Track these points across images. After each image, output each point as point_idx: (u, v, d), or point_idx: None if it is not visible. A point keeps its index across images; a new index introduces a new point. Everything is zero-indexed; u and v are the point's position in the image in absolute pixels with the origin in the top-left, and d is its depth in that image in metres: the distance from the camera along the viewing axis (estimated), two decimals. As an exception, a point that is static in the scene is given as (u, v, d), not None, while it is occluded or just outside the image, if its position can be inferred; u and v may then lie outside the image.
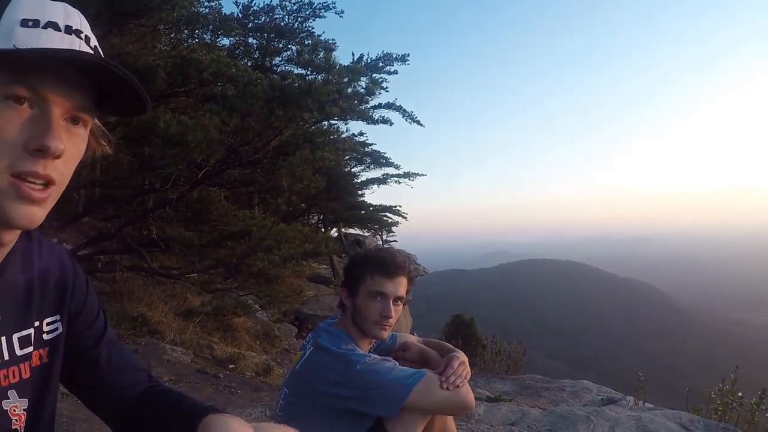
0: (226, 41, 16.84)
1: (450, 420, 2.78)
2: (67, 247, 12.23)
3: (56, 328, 1.20)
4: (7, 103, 0.90)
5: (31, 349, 1.13)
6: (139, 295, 10.05)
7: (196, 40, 13.72)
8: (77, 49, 0.98)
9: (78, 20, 1.00)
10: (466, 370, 2.50)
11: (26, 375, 1.12)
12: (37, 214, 0.97)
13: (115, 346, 1.33)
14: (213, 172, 9.18)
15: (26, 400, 1.11)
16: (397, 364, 2.46)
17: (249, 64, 16.46)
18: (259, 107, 7.88)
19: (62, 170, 0.98)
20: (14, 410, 1.09)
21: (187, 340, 8.54)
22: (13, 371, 1.09)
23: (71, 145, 0.98)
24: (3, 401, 1.06)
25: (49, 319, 1.19)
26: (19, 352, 1.10)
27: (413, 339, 3.00)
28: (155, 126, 8.37)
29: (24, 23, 0.93)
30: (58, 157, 0.94)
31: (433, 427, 2.62)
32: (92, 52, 1.01)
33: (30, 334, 1.13)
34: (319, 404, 2.44)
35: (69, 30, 0.97)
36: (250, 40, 18.96)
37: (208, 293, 11.31)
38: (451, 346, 2.81)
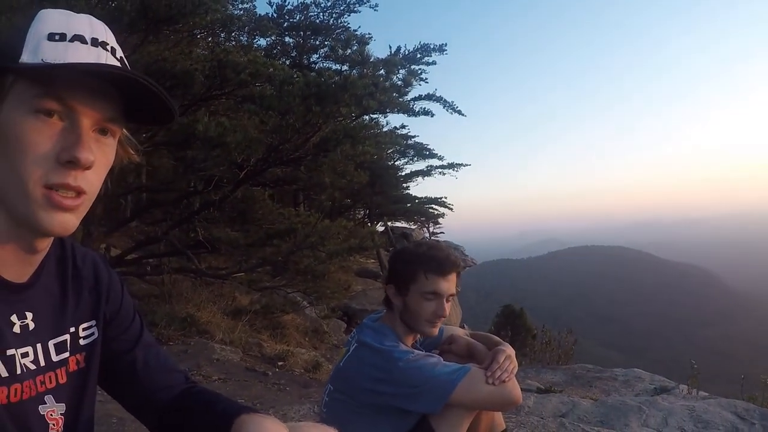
0: (262, 42, 16.95)
1: (497, 415, 2.71)
2: (116, 251, 12.50)
3: (92, 333, 1.23)
4: (37, 117, 0.93)
5: (67, 354, 1.16)
6: (188, 297, 10.19)
7: (233, 42, 13.83)
8: (104, 61, 0.99)
9: (104, 32, 1.03)
10: (513, 364, 2.42)
11: (63, 380, 1.14)
12: (70, 222, 0.98)
13: (151, 349, 1.35)
14: (254, 172, 9.22)
15: (63, 404, 1.13)
16: (442, 359, 2.41)
17: (287, 63, 16.56)
18: (297, 105, 7.89)
19: (92, 180, 0.99)
20: (51, 415, 1.10)
21: (236, 338, 8.62)
22: (50, 377, 1.11)
23: (100, 156, 1.00)
24: (40, 406, 1.08)
25: (84, 325, 1.22)
26: (55, 358, 1.13)
27: (460, 332, 2.94)
28: (195, 129, 8.44)
29: (50, 37, 0.95)
30: (88, 168, 0.96)
31: (479, 422, 2.56)
32: (118, 63, 1.03)
33: (66, 340, 1.16)
34: (362, 401, 2.42)
35: (95, 42, 0.99)
36: (287, 39, 19.10)
37: (256, 292, 11.40)
38: (499, 339, 2.73)
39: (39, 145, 0.93)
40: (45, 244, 1.08)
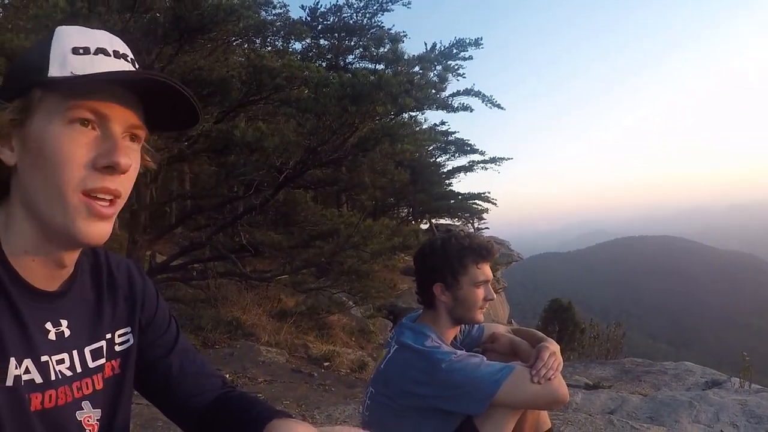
0: (298, 45, 17.06)
1: (543, 413, 2.65)
2: (162, 257, 12.70)
3: (128, 340, 1.25)
4: (73, 127, 0.96)
5: (103, 360, 1.17)
6: (234, 300, 10.30)
7: (269, 47, 13.93)
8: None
9: (122, 45, 1.07)
10: (558, 361, 2.37)
11: (99, 386, 1.16)
12: (105, 230, 1.02)
13: (187, 354, 1.35)
14: (294, 175, 9.26)
15: (99, 410, 1.15)
16: (485, 358, 2.36)
17: (323, 65, 16.63)
18: (332, 106, 7.90)
19: (126, 185, 1.03)
20: (88, 420, 1.12)
21: (281, 340, 8.69)
22: (86, 383, 1.13)
23: (131, 161, 1.02)
24: (77, 412, 1.10)
25: (120, 331, 1.24)
26: (91, 364, 1.14)
27: (502, 329, 2.90)
28: (233, 135, 8.53)
29: (75, 51, 0.99)
30: (124, 172, 1.00)
31: (524, 421, 2.50)
32: None
33: (101, 346, 1.18)
34: (405, 403, 2.39)
35: (117, 54, 1.03)
36: (322, 41, 19.19)
37: (301, 293, 11.46)
38: (542, 335, 2.68)
39: (76, 153, 0.96)
40: (73, 258, 1.10)
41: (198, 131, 10.84)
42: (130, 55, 1.06)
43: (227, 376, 6.89)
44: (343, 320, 12.15)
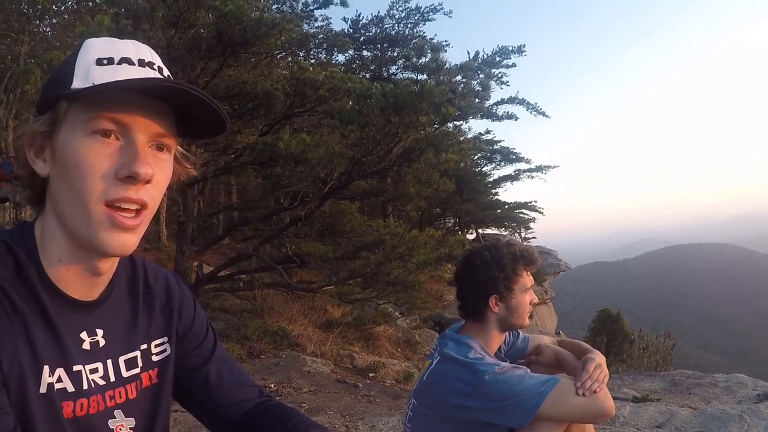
0: (341, 57, 17.19)
1: (589, 427, 2.59)
2: (209, 268, 12.87)
3: (165, 350, 1.26)
4: (94, 138, 0.97)
5: (137, 370, 1.19)
6: (280, 310, 10.37)
7: (313, 60, 14.07)
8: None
9: (149, 53, 1.06)
10: (604, 373, 2.32)
11: (133, 395, 1.17)
12: (129, 241, 1.01)
13: (225, 364, 1.36)
14: (339, 186, 9.30)
15: (133, 419, 1.16)
16: (529, 370, 2.33)
17: (367, 76, 16.70)
18: (375, 117, 7.92)
19: (153, 194, 1.02)
20: (120, 429, 1.13)
21: (327, 351, 8.71)
22: (120, 392, 1.14)
23: (159, 171, 1.03)
24: (109, 420, 1.11)
25: (157, 341, 1.25)
26: (125, 374, 1.16)
27: (547, 340, 2.87)
28: (277, 147, 8.60)
29: (99, 62, 1.00)
30: (148, 182, 0.99)
31: (569, 435, 2.47)
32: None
33: (136, 356, 1.19)
34: (447, 415, 2.36)
35: (142, 63, 1.02)
36: (365, 52, 19.26)
37: (347, 304, 11.47)
38: (588, 346, 2.63)
39: (98, 164, 0.96)
40: (107, 267, 1.11)
41: (243, 144, 11.01)
42: (158, 63, 1.06)
43: (272, 386, 6.93)
44: (389, 331, 12.11)
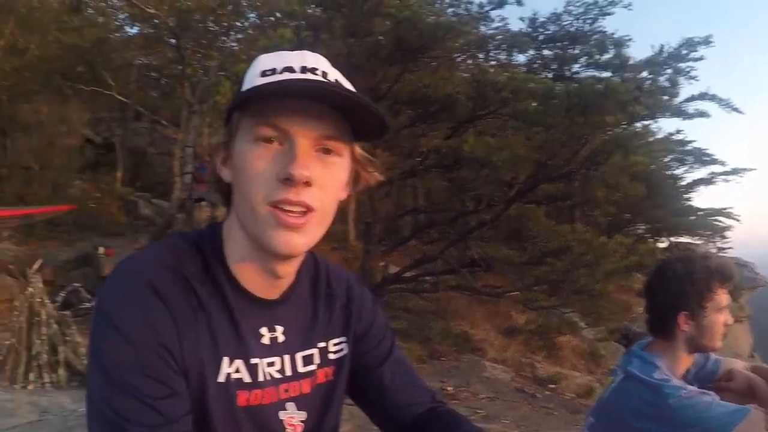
0: (521, 58, 16.91)
1: None
2: (395, 268, 13.13)
3: (342, 349, 1.28)
4: (257, 144, 1.01)
5: (313, 367, 1.22)
6: (463, 314, 10.38)
7: (493, 61, 13.94)
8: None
9: (314, 60, 1.07)
10: None
11: (307, 390, 1.20)
12: (295, 240, 1.02)
13: (400, 366, 1.37)
14: (524, 189, 9.15)
15: (304, 413, 1.19)
16: (717, 397, 2.13)
17: (549, 76, 16.28)
18: (560, 118, 7.69)
19: (320, 197, 1.02)
20: (290, 420, 1.17)
21: (508, 357, 8.58)
22: (294, 386, 1.18)
23: (325, 174, 1.03)
24: (280, 411, 1.15)
25: (335, 340, 1.27)
26: (301, 369, 1.19)
27: (740, 365, 2.60)
28: (462, 150, 8.60)
29: (263, 74, 1.03)
30: (308, 184, 1.00)
31: (757, 472, 2.22)
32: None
33: (313, 353, 1.22)
34: None
35: (304, 69, 1.04)
36: (545, 51, 18.75)
37: (532, 311, 11.22)
38: None
39: (260, 168, 1.00)
40: (285, 271, 1.13)
41: (428, 147, 11.11)
42: (322, 69, 1.06)
43: (450, 389, 6.96)
44: (573, 341, 11.68)
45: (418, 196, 18.19)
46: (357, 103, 1.00)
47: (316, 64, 1.06)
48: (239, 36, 19.48)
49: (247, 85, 1.03)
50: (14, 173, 18.67)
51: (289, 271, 1.14)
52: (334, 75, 1.07)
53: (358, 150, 1.12)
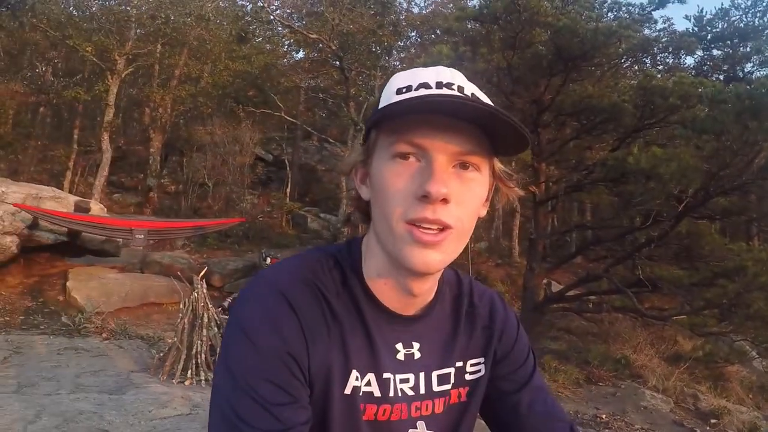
0: (690, 60, 15.91)
1: None
2: (558, 286, 12.66)
3: (479, 370, 1.25)
4: (394, 161, 1.01)
5: (448, 386, 1.20)
6: (625, 337, 9.83)
7: (660, 66, 13.20)
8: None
9: (449, 75, 1.06)
10: None
11: (439, 410, 1.18)
12: (430, 257, 1.01)
13: (539, 393, 1.30)
14: (695, 204, 8.47)
15: None
16: None
17: (720, 78, 15.08)
18: (731, 123, 7.05)
19: (457, 215, 1.01)
20: None
21: (669, 387, 7.94)
22: (426, 404, 1.16)
23: (463, 190, 1.02)
24: (410, 429, 1.14)
25: (473, 361, 1.24)
26: (436, 388, 1.18)
27: None
28: (626, 162, 8.17)
29: (398, 91, 1.04)
30: (445, 201, 0.98)
31: None
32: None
33: (450, 372, 1.20)
34: None
35: (440, 85, 1.03)
36: (714, 51, 17.45)
37: (699, 337, 10.34)
38: None
39: (398, 185, 1.00)
40: (421, 289, 1.12)
41: (593, 160, 10.63)
42: (458, 83, 1.04)
43: (604, 416, 6.61)
44: (743, 372, 10.55)
45: (586, 211, 17.57)
46: (494, 117, 0.97)
47: (451, 79, 1.05)
48: (402, 55, 19.90)
49: (383, 103, 1.04)
50: (191, 189, 20.38)
51: (424, 289, 1.12)
52: (471, 89, 1.06)
53: (498, 165, 1.10)
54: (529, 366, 1.31)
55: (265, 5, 21.65)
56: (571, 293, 11.26)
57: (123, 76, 20.10)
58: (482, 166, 1.03)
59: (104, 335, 8.31)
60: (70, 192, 17.97)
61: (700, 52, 16.14)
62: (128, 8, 19.99)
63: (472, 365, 1.23)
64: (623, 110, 9.18)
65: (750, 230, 16.59)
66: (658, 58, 13.54)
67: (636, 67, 12.09)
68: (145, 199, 21.38)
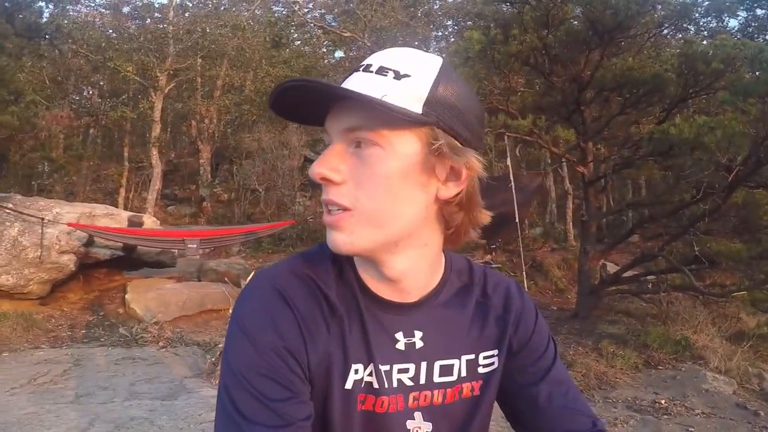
0: (733, 22, 15.26)
1: None
2: (614, 266, 12.27)
3: (493, 363, 1.22)
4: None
5: (452, 378, 1.17)
6: (685, 317, 9.40)
7: (704, 31, 12.68)
8: (353, 81, 1.01)
9: (382, 59, 1.03)
10: None
11: (438, 401, 1.16)
12: (336, 238, 1.02)
13: (560, 387, 1.26)
14: (746, 172, 8.06)
15: (430, 423, 1.16)
16: None
17: (767, 38, 14.46)
18: (774, 82, 6.68)
19: (355, 195, 1.00)
20: (417, 430, 1.14)
21: (733, 367, 7.53)
22: (425, 395, 1.14)
23: (362, 170, 1.00)
24: (408, 421, 1.12)
25: (486, 353, 1.22)
26: (436, 379, 1.15)
27: None
28: (670, 134, 7.84)
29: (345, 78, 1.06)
30: (333, 182, 1.00)
31: None
32: (371, 79, 1.01)
33: (453, 364, 1.17)
34: None
35: (367, 68, 1.02)
36: (758, 11, 16.74)
37: (763, 312, 9.86)
38: None
39: None
40: (392, 272, 1.08)
41: (640, 135, 10.27)
42: (379, 64, 1.02)
43: (663, 401, 6.39)
44: (811, 347, 10.06)
45: (642, 188, 17.10)
46: (330, 89, 0.98)
47: (379, 62, 1.02)
48: (441, 44, 19.71)
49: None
50: (242, 196, 20.62)
51: (395, 273, 1.08)
52: (397, 72, 1.00)
53: (444, 139, 1.00)
54: (548, 358, 1.27)
55: (296, 9, 21.73)
56: (627, 274, 10.94)
57: (166, 91, 20.63)
58: (384, 141, 0.98)
59: (161, 343, 8.44)
60: (125, 208, 18.52)
61: (743, 13, 15.48)
62: (165, 26, 20.45)
63: (485, 358, 1.20)
64: (666, 80, 8.84)
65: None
66: (701, 23, 13.02)
67: (680, 35, 11.67)
68: (199, 209, 21.85)
